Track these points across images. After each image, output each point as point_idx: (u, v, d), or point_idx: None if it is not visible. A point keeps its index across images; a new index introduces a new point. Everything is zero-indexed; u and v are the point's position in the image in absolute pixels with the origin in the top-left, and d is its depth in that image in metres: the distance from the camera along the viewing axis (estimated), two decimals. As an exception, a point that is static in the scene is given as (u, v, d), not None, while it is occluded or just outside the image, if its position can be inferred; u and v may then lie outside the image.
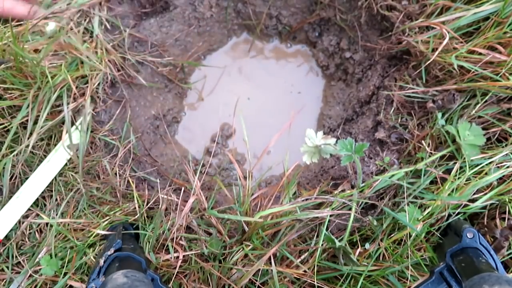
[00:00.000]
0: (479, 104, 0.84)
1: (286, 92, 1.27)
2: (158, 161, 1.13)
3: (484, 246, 0.72)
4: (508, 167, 0.80)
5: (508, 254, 0.78)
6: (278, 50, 1.33)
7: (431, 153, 0.85)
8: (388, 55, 1.02)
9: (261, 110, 1.26)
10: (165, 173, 1.10)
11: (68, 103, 0.93)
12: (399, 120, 0.94)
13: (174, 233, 0.82)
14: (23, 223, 0.89)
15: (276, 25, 1.28)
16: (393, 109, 0.94)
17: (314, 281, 0.73)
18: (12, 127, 0.89)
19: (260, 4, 1.25)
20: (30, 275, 0.83)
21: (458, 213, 0.80)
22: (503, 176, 0.81)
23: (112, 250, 0.62)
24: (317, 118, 1.25)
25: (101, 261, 0.59)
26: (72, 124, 0.94)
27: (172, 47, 1.21)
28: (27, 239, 0.89)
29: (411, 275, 0.73)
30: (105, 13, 1.08)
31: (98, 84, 1.01)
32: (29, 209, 0.90)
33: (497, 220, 0.81)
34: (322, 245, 0.77)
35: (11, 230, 0.88)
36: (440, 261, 0.73)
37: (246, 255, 0.79)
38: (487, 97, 0.84)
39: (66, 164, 0.93)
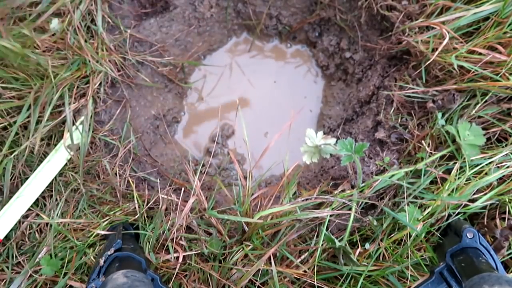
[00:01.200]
0: (479, 104, 0.84)
1: (286, 92, 1.27)
2: (158, 161, 1.13)
3: (484, 246, 0.72)
4: (508, 167, 0.80)
5: (508, 254, 0.78)
6: (278, 50, 1.33)
7: (431, 153, 0.85)
8: (388, 55, 1.02)
9: (261, 110, 1.26)
10: (165, 173, 1.10)
11: (69, 104, 0.93)
12: (399, 120, 0.94)
13: (174, 233, 0.82)
14: (23, 223, 0.89)
15: (276, 25, 1.28)
16: (393, 109, 0.94)
17: (314, 281, 0.73)
18: (12, 128, 0.89)
19: (260, 4, 1.25)
20: (30, 275, 0.83)
21: (458, 213, 0.80)
22: (503, 176, 0.80)
23: (112, 250, 0.62)
24: (317, 118, 1.25)
25: (101, 261, 0.59)
26: (73, 124, 0.94)
27: (172, 47, 1.21)
28: (27, 239, 0.89)
29: (411, 275, 0.73)
30: (107, 11, 1.08)
31: (99, 84, 1.01)
32: (29, 209, 0.90)
33: (497, 220, 0.81)
34: (322, 245, 0.77)
35: (11, 230, 0.88)
36: (440, 261, 0.73)
37: (246, 255, 0.79)
38: (487, 97, 0.84)
39: (66, 164, 0.93)
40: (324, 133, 1.16)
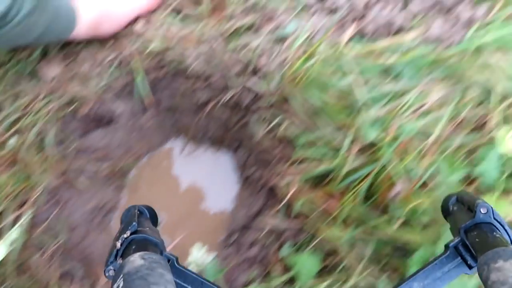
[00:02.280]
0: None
1: (209, 192, 1.49)
2: (89, 251, 1.35)
3: (499, 221, 0.67)
4: None
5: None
6: (208, 153, 1.56)
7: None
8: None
9: (197, 196, 1.47)
10: (93, 265, 1.31)
11: (11, 212, 1.16)
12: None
13: None
14: None
15: (204, 135, 1.52)
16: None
17: None
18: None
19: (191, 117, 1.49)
20: None
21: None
22: None
23: (128, 233, 0.60)
24: (226, 220, 1.45)
25: (118, 244, 0.58)
26: (12, 227, 1.18)
27: (115, 149, 1.45)
28: None
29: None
30: (59, 127, 1.34)
31: (42, 192, 1.25)
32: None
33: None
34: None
35: None
36: (454, 235, 0.71)
37: None
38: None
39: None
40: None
